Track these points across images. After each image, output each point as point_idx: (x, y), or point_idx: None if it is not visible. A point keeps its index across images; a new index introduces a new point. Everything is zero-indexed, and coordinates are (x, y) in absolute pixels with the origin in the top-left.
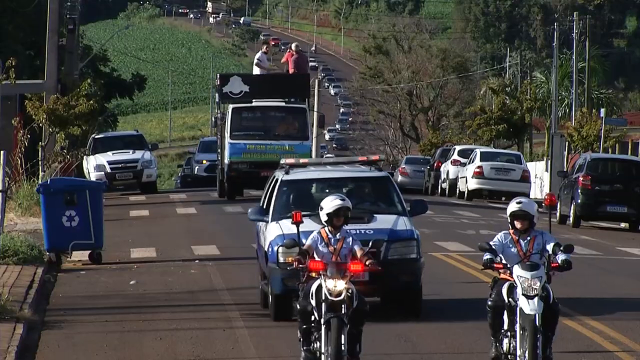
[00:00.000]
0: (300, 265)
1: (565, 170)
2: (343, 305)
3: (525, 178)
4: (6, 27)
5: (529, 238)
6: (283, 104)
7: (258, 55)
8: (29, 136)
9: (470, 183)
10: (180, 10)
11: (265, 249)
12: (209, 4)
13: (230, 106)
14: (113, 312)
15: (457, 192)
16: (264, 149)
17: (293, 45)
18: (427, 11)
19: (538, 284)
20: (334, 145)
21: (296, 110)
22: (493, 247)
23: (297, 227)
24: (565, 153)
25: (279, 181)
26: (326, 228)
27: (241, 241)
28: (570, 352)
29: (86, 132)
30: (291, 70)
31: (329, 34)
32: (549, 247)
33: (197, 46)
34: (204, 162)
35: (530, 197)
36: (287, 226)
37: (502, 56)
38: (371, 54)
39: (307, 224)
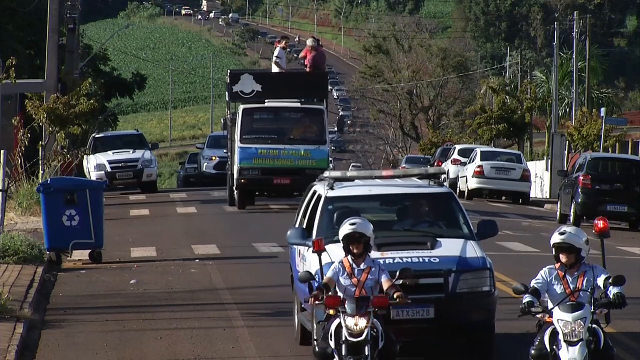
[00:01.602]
0: (317, 302)
1: (565, 169)
2: (366, 347)
3: (525, 177)
4: (6, 26)
5: (577, 273)
6: (299, 104)
7: (276, 52)
8: (29, 136)
9: (470, 182)
10: (183, 12)
11: None
12: (204, 2)
13: (241, 107)
14: (113, 312)
15: (458, 191)
16: (278, 155)
17: (309, 41)
18: (428, 11)
19: (582, 326)
20: (332, 148)
21: (313, 111)
22: (536, 286)
23: (319, 256)
24: (566, 152)
25: (322, 198)
26: (349, 257)
27: (242, 241)
28: None
29: (86, 132)
30: (308, 68)
31: (330, 34)
32: (600, 281)
33: (198, 45)
34: (214, 158)
35: (532, 196)
36: (335, 252)
37: (502, 56)
38: (371, 53)
39: None
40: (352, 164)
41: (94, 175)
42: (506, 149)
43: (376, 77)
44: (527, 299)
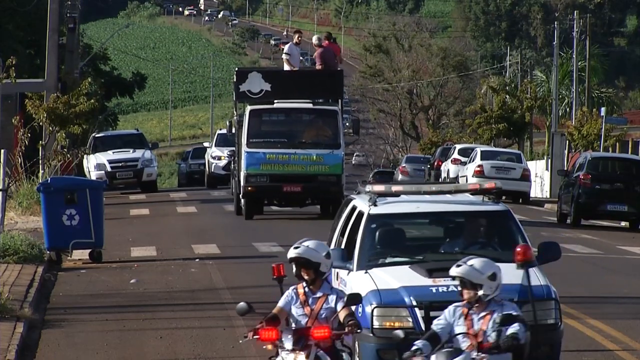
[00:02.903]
0: (256, 336)
1: (565, 169)
2: None
3: (525, 177)
4: (6, 26)
5: (483, 313)
6: (310, 105)
7: (286, 48)
8: (29, 135)
9: (470, 182)
10: (186, 13)
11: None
12: (202, 1)
13: (248, 107)
14: (113, 311)
15: None
16: (287, 160)
17: (314, 39)
18: (428, 10)
19: None
20: None
21: (326, 113)
22: (435, 329)
23: (280, 284)
24: (566, 152)
25: (364, 215)
26: (303, 283)
27: (242, 240)
28: (570, 351)
29: (86, 131)
30: (319, 66)
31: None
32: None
33: (198, 45)
34: (223, 157)
35: (532, 195)
36: (380, 277)
37: (502, 55)
38: (371, 52)
39: (405, 276)
40: (356, 154)
41: (93, 175)
42: (506, 148)
43: (376, 77)
44: (415, 346)
